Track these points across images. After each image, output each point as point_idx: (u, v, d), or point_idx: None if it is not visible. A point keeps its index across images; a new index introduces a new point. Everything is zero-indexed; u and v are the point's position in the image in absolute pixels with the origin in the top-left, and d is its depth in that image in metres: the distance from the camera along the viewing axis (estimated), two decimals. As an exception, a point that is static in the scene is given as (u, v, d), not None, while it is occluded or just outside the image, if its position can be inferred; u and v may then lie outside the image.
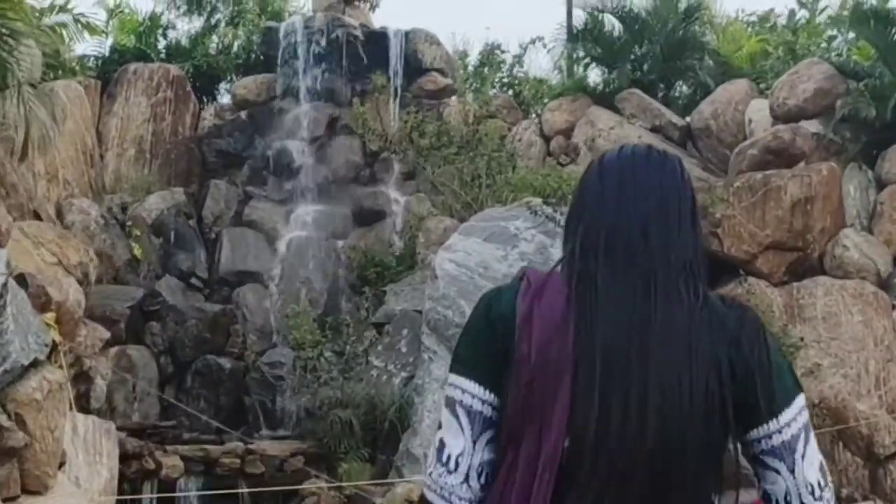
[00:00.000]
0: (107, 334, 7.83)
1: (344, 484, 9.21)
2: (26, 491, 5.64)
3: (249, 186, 13.95)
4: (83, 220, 12.05)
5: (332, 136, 14.49)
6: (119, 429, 9.36)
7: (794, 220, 9.99)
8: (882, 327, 9.62)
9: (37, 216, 10.82)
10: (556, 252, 10.27)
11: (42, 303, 7.18)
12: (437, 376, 9.78)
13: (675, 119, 13.73)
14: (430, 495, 1.81)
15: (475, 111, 13.43)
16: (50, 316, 7.08)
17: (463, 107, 13.67)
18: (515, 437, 1.77)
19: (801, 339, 9.56)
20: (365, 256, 12.84)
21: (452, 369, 1.85)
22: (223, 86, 15.67)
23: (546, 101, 15.51)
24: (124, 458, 8.71)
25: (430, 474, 1.81)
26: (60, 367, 6.55)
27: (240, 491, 9.58)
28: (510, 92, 16.61)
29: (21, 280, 6.85)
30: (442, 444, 1.80)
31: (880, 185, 10.71)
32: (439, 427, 1.82)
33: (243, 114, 14.50)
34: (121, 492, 8.19)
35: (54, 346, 6.62)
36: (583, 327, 1.78)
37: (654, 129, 13.59)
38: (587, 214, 1.93)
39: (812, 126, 11.28)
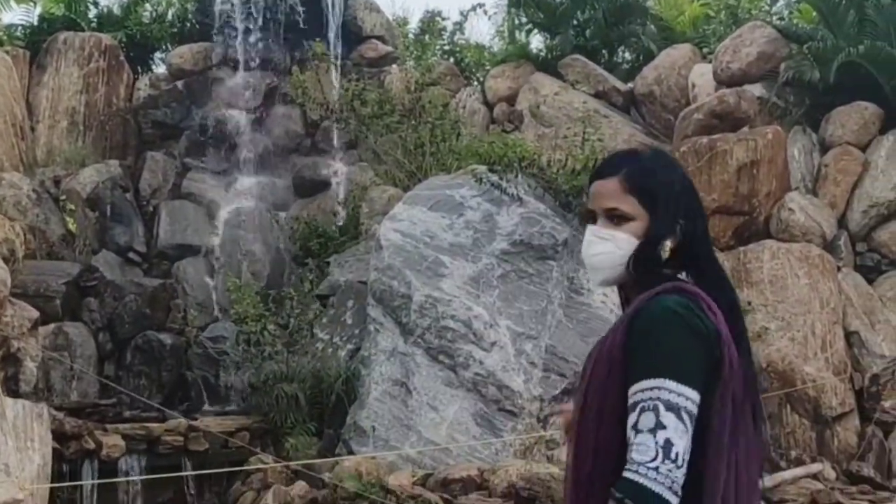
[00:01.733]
0: (35, 314, 7.45)
1: (290, 463, 9.05)
2: (-51, 482, 5.25)
3: (187, 158, 13.61)
4: (14, 194, 11.66)
5: (271, 105, 14.19)
6: (57, 408, 9.08)
7: (740, 184, 9.96)
8: (828, 290, 9.65)
9: (-35, 191, 10.44)
10: (502, 220, 10.19)
11: (-36, 282, 6.79)
12: (383, 348, 9.63)
13: (619, 85, 13.66)
14: (660, 489, 2.03)
15: (417, 79, 13.22)
16: (-27, 297, 6.64)
17: (405, 74, 13.45)
18: (725, 443, 2.13)
19: (749, 303, 9.55)
20: (307, 227, 12.62)
21: (674, 378, 2.09)
22: (158, 55, 15.28)
23: (488, 68, 15.35)
24: (62, 438, 8.45)
25: (658, 469, 2.02)
26: (-16, 349, 6.19)
27: (184, 474, 9.36)
28: (452, 60, 16.40)
29: (-62, 259, 6.46)
30: (669, 444, 2.04)
31: (824, 147, 10.72)
32: (660, 427, 2.05)
33: (179, 84, 14.12)
34: (59, 473, 7.93)
35: (-24, 329, 6.24)
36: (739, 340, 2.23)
37: (598, 95, 13.51)
38: (701, 220, 2.40)
39: (756, 90, 11.27)
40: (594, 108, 12.62)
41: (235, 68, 14.17)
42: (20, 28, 14.38)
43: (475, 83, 15.35)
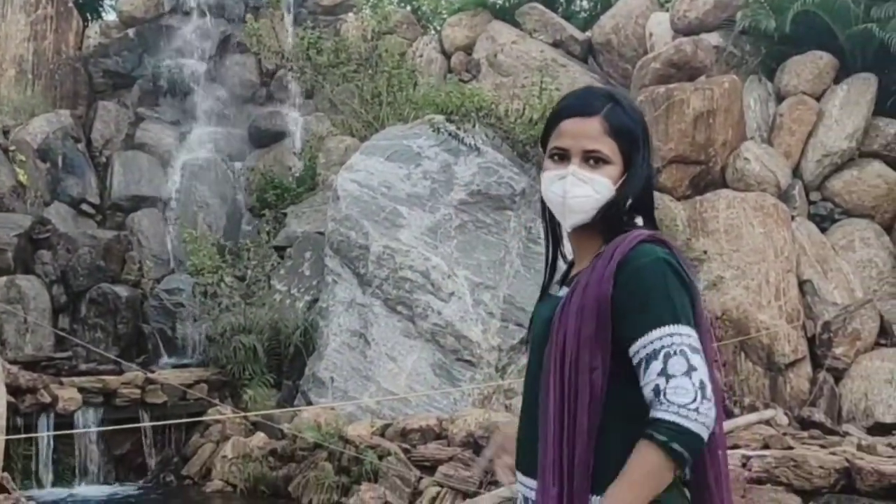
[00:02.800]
0: None
1: (249, 414, 9.04)
2: None
3: (140, 108, 13.40)
4: (-38, 145, 11.44)
5: (225, 54, 14.00)
6: (11, 362, 8.99)
7: (696, 133, 9.99)
8: (782, 238, 9.74)
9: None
10: (460, 170, 10.17)
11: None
12: (341, 299, 9.62)
13: (576, 34, 13.59)
14: (701, 430, 2.04)
15: (373, 27, 13.07)
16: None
17: (361, 23, 13.29)
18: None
19: (705, 252, 9.64)
20: (264, 178, 12.52)
21: (686, 323, 2.13)
22: (108, 2, 14.99)
23: (445, 16, 15.20)
24: (17, 392, 8.38)
25: (699, 409, 2.03)
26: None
27: (141, 425, 9.33)
28: (408, 8, 16.23)
29: None
30: (703, 385, 2.06)
31: (779, 97, 10.75)
32: (693, 370, 2.07)
33: (131, 32, 13.87)
34: (14, 428, 7.87)
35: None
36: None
37: (556, 44, 13.44)
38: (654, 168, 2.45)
39: (712, 39, 11.25)
40: (552, 58, 12.57)
41: (188, 16, 13.92)
42: (-36, -26, 13.98)
43: (432, 32, 15.20)
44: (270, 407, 9.19)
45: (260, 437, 8.98)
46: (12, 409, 7.54)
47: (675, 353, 2.07)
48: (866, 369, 9.30)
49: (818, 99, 10.57)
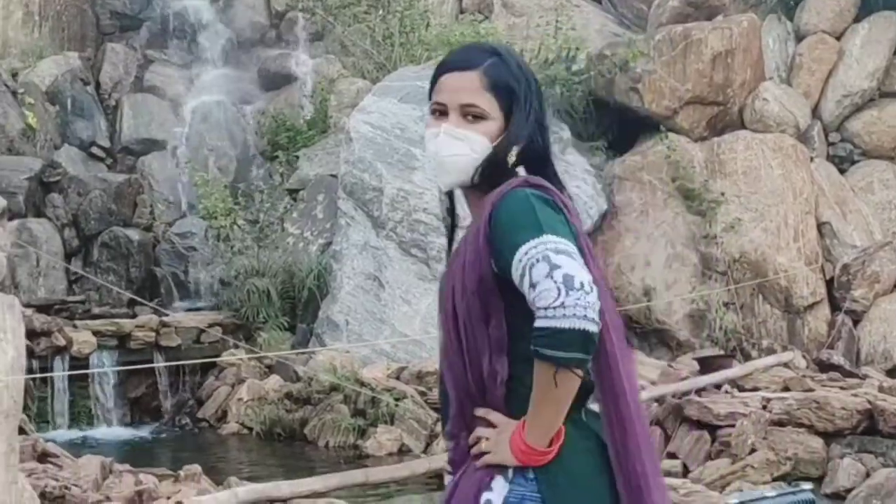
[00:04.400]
0: (3, 202, 7.13)
1: (264, 354, 9.01)
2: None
3: (149, 50, 13.23)
4: (-30, 88, 11.31)
5: (233, -5, 13.79)
6: (25, 305, 8.92)
7: (714, 73, 9.82)
8: (801, 180, 9.62)
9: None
10: (475, 111, 10.02)
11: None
12: (354, 241, 9.56)
13: (591, -27, 13.35)
14: (572, 323, 1.92)
15: (384, -33, 12.87)
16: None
17: (373, -39, 13.06)
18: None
19: (723, 193, 9.53)
20: (275, 121, 12.39)
21: (553, 233, 2.00)
22: (115, -58, 14.70)
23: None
24: (32, 335, 8.32)
25: (564, 304, 1.92)
26: (-52, 237, 5.90)
27: (156, 365, 9.31)
28: (419, -53, 15.97)
29: None
30: (568, 277, 1.94)
31: (798, 36, 10.58)
32: (555, 268, 1.95)
33: (138, -28, 13.64)
34: (29, 370, 7.85)
35: (-62, 216, 5.91)
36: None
37: (569, -16, 13.21)
38: (546, 125, 2.25)
39: (731, -23, 11.05)
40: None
41: (194, -44, 13.69)
42: (-32, -86, 13.74)
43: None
44: (285, 350, 9.16)
45: (275, 380, 8.97)
46: (27, 352, 7.50)
47: (537, 260, 1.96)
48: (885, 312, 9.25)
49: (838, 38, 10.40)
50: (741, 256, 9.33)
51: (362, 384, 8.22)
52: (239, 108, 12.83)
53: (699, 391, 7.34)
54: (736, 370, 7.95)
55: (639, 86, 9.83)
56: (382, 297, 9.29)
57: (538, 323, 1.94)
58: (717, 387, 7.56)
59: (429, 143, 2.19)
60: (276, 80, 13.26)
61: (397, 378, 8.50)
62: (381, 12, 11.95)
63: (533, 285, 1.95)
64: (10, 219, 9.81)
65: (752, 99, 10.02)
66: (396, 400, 8.03)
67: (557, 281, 1.93)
